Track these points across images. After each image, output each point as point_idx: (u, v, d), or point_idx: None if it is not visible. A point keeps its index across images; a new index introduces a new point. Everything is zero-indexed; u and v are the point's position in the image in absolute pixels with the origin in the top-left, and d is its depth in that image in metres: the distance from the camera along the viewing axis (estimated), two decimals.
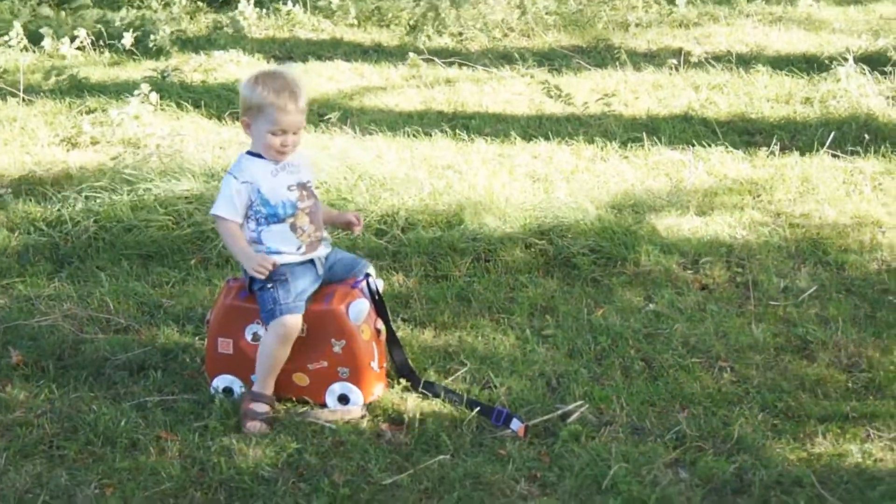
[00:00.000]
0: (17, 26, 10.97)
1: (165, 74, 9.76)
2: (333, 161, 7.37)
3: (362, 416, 4.76)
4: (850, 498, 4.10)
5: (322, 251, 4.90)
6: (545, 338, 5.45)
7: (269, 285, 4.70)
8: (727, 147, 7.92)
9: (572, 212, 6.62)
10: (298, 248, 4.80)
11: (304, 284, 4.76)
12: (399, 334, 5.17)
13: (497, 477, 4.29)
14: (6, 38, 10.95)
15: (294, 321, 4.68)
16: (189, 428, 4.65)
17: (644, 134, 8.14)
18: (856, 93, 8.75)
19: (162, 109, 8.82)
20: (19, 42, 10.90)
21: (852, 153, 7.71)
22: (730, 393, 4.89)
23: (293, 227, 4.79)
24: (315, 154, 7.42)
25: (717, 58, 10.04)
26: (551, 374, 5.08)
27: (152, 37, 11.15)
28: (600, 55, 10.74)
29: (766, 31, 11.19)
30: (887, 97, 8.70)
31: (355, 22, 12.32)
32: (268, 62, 10.77)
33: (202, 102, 9.12)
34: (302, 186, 4.83)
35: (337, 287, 4.87)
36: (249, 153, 4.83)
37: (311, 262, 4.85)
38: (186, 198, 6.90)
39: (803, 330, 5.42)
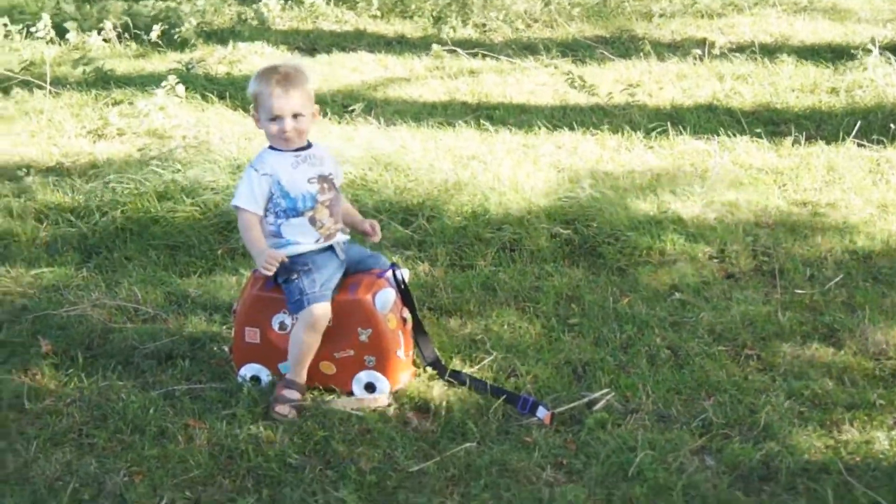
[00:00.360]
0: (46, 18, 11.02)
1: (190, 66, 9.80)
2: (358, 151, 7.40)
3: (389, 404, 4.77)
4: (878, 485, 4.09)
5: (340, 238, 4.92)
6: (571, 326, 5.45)
7: (294, 276, 4.72)
8: (752, 137, 7.91)
9: (597, 201, 6.62)
10: (317, 241, 4.83)
11: (329, 272, 4.78)
12: (425, 323, 5.18)
13: (523, 464, 4.30)
14: (34, 29, 10.99)
15: (323, 309, 4.70)
16: (217, 416, 4.67)
17: (668, 124, 8.14)
18: (882, 82, 8.72)
19: (187, 101, 8.85)
20: (47, 34, 10.94)
21: (878, 142, 7.69)
22: (756, 381, 4.88)
23: (312, 221, 4.81)
24: (339, 145, 7.45)
25: (742, 48, 10.03)
26: (577, 362, 5.09)
27: (177, 29, 11.19)
28: (624, 45, 10.73)
29: (790, 21, 11.16)
30: None
31: (378, 13, 12.34)
32: (291, 53, 10.80)
33: (227, 94, 9.16)
34: (323, 179, 4.85)
35: (363, 277, 4.89)
36: (271, 147, 4.86)
37: (331, 248, 4.87)
38: (212, 188, 6.93)
39: (830, 318, 5.41)
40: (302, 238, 4.80)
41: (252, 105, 4.88)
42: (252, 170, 4.80)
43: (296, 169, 4.80)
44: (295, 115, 4.78)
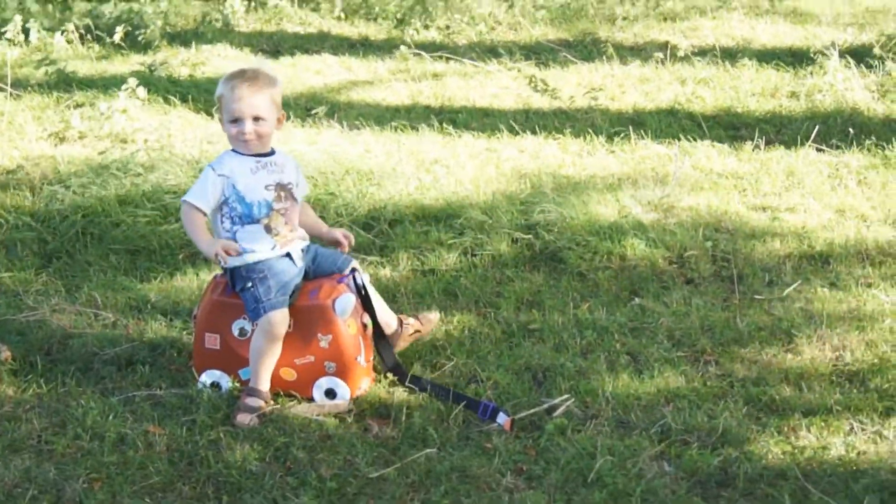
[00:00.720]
0: (18, 19, 10.96)
1: (153, 68, 9.76)
2: (321, 155, 7.39)
3: (349, 411, 4.77)
4: (834, 491, 4.12)
5: (297, 245, 4.92)
6: (531, 332, 5.47)
7: (249, 284, 4.73)
8: (713, 141, 7.95)
9: (558, 206, 6.64)
10: (273, 248, 4.83)
11: (285, 278, 4.78)
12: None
13: (483, 470, 4.31)
14: (4, 30, 10.94)
15: (279, 316, 4.71)
16: (177, 422, 4.66)
17: (630, 128, 8.18)
18: (841, 86, 8.78)
19: (150, 104, 8.82)
20: (16, 35, 10.89)
21: (837, 147, 7.75)
22: (715, 387, 4.91)
23: (267, 228, 4.82)
24: (302, 148, 7.44)
25: (704, 51, 10.07)
26: (537, 367, 5.11)
27: (141, 31, 11.14)
28: (587, 49, 10.76)
29: (752, 25, 11.22)
30: (872, 91, 8.74)
31: (342, 15, 12.34)
32: (255, 56, 10.77)
33: (190, 97, 9.12)
34: (281, 187, 4.85)
35: (323, 282, 4.89)
36: (233, 150, 4.86)
37: (288, 255, 4.87)
38: (174, 192, 6.91)
39: (788, 323, 5.45)
40: (257, 246, 4.80)
41: (216, 108, 4.88)
42: (210, 169, 4.80)
43: (254, 175, 4.80)
44: (256, 119, 4.78)
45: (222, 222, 4.80)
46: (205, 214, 4.77)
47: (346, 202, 6.79)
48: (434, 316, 5.36)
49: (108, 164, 7.47)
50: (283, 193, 4.85)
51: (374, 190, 6.96)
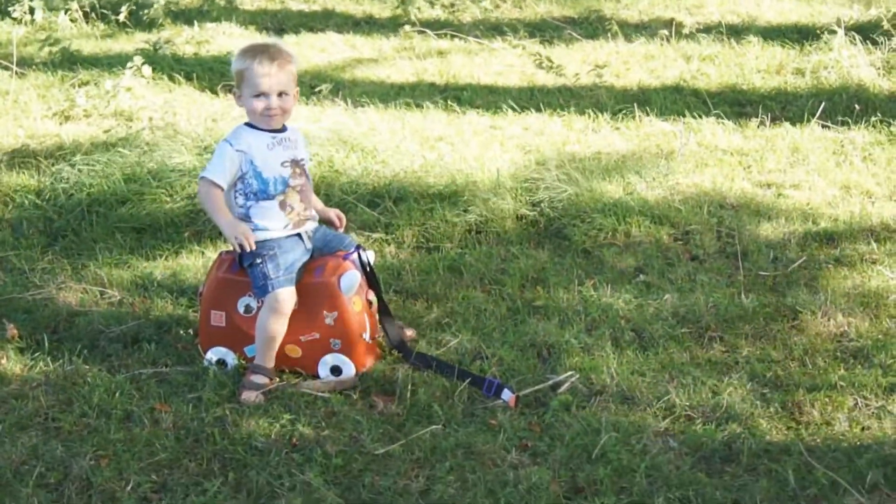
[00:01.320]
0: None
1: (158, 47, 9.75)
2: (325, 133, 7.39)
3: (354, 387, 4.79)
4: (838, 466, 4.14)
5: (309, 226, 4.92)
6: (536, 308, 5.48)
7: (259, 261, 4.73)
8: (718, 118, 7.94)
9: (563, 184, 6.64)
10: (286, 226, 4.83)
11: (293, 257, 4.79)
12: (391, 306, 5.20)
13: (488, 447, 4.32)
14: (11, 9, 10.94)
15: (287, 294, 4.72)
16: (183, 399, 4.68)
17: (635, 105, 8.16)
18: (847, 63, 8.75)
19: (154, 82, 8.81)
20: (23, 14, 10.89)
21: (842, 124, 7.74)
22: (719, 363, 4.93)
23: (282, 205, 4.81)
24: (306, 126, 7.44)
25: (709, 28, 10.04)
26: (542, 344, 5.12)
27: (145, 10, 11.13)
28: (592, 26, 10.74)
29: (757, 2, 11.18)
30: (878, 68, 8.70)
31: None
32: (259, 34, 10.76)
33: (194, 75, 9.12)
34: (296, 163, 4.85)
35: (328, 259, 4.90)
36: (247, 124, 4.85)
37: (298, 235, 4.87)
38: (179, 170, 6.91)
39: (792, 300, 5.45)
40: (270, 223, 4.80)
41: (235, 82, 4.86)
42: (227, 144, 4.78)
43: (271, 150, 4.79)
44: (280, 94, 4.78)
45: (236, 198, 4.80)
46: (222, 190, 4.77)
47: (351, 180, 6.79)
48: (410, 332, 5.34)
49: (113, 143, 7.47)
50: (297, 170, 4.85)
51: (378, 167, 6.96)
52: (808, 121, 7.75)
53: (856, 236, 6.15)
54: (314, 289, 4.81)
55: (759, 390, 4.69)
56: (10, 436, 4.45)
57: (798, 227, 6.26)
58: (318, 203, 5.18)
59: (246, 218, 4.78)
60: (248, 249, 4.65)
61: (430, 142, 7.50)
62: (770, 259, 5.93)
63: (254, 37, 10.58)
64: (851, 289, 5.57)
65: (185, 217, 6.55)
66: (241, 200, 4.80)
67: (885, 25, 9.30)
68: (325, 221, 5.14)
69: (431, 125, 7.91)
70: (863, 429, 4.39)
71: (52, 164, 7.23)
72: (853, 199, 6.60)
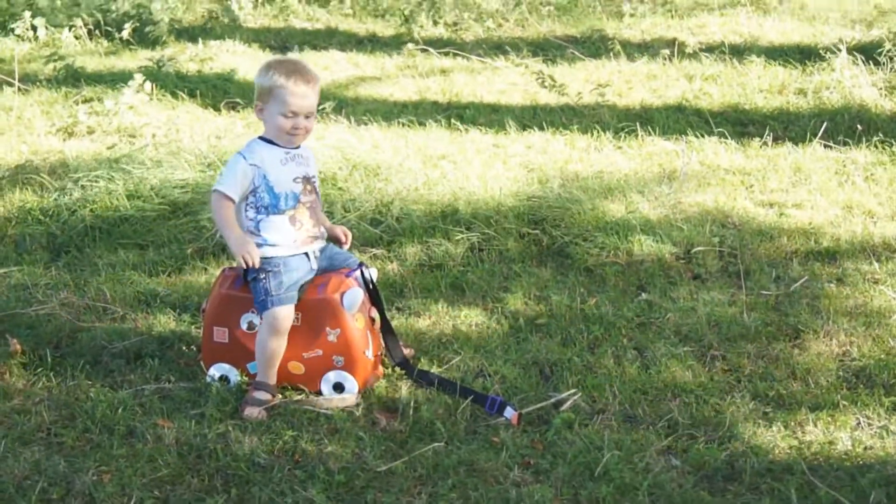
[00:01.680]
0: (27, 15, 11.01)
1: (161, 64, 9.79)
2: (328, 151, 7.40)
3: (357, 404, 4.78)
4: (841, 485, 4.13)
5: (317, 245, 4.93)
6: (538, 327, 5.48)
7: (262, 276, 4.73)
8: (720, 138, 7.95)
9: (566, 202, 6.65)
10: (294, 241, 4.82)
11: (297, 276, 4.78)
12: (393, 323, 5.20)
13: (491, 464, 4.32)
14: (13, 26, 10.98)
15: (285, 312, 4.72)
16: (186, 415, 4.68)
17: (638, 124, 8.18)
18: (849, 83, 8.78)
19: (158, 99, 8.84)
20: (26, 31, 10.93)
21: (844, 143, 7.76)
22: (721, 381, 4.92)
23: (292, 220, 4.81)
24: (310, 144, 7.44)
25: (711, 48, 10.08)
26: (544, 362, 5.12)
27: (149, 27, 11.17)
28: (594, 45, 10.79)
29: (759, 22, 11.22)
30: (880, 88, 8.73)
31: (350, 12, 12.38)
32: (263, 52, 10.79)
33: (198, 92, 9.15)
34: (307, 180, 4.86)
35: (331, 276, 4.90)
36: (261, 138, 4.86)
37: (305, 254, 4.88)
38: (182, 187, 6.93)
39: (795, 319, 5.45)
40: (279, 238, 4.79)
41: (259, 94, 4.81)
42: (241, 157, 4.77)
43: (284, 166, 4.80)
44: (307, 116, 4.80)
45: (246, 211, 4.79)
46: (234, 203, 4.77)
47: (354, 197, 6.81)
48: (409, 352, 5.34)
49: (116, 159, 7.49)
50: (308, 187, 4.86)
51: (381, 185, 6.97)
52: (811, 140, 7.77)
53: (858, 256, 6.16)
54: (317, 305, 4.81)
55: (762, 409, 4.68)
56: (13, 451, 4.45)
57: (800, 247, 6.27)
58: (325, 220, 5.19)
59: (255, 231, 4.78)
60: (253, 267, 4.65)
61: (433, 160, 7.52)
62: (772, 278, 5.94)
63: (257, 55, 10.62)
64: (853, 308, 5.58)
65: (187, 233, 6.56)
66: (251, 213, 4.79)
67: (888, 46, 9.32)
68: (331, 238, 5.14)
69: (434, 143, 7.93)
70: (865, 448, 4.39)
71: (56, 181, 7.24)
72: (855, 219, 6.61)
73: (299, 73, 4.76)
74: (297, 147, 4.88)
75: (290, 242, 4.80)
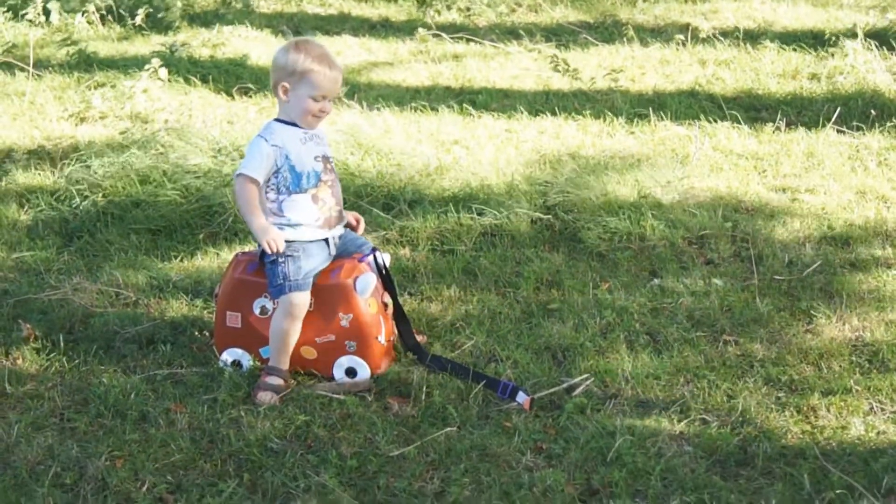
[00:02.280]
0: (40, 0, 11.02)
1: (174, 49, 9.78)
2: (341, 136, 7.40)
3: (369, 389, 4.79)
4: (854, 470, 4.13)
5: (338, 230, 4.93)
6: (551, 311, 5.48)
7: (281, 259, 4.73)
8: (733, 123, 7.93)
9: (578, 187, 6.64)
10: (317, 220, 4.83)
11: (315, 263, 4.80)
12: (406, 308, 5.20)
13: (503, 449, 4.32)
14: (24, 12, 10.99)
15: (302, 298, 4.73)
16: (198, 400, 4.69)
17: (650, 109, 8.16)
18: (863, 69, 8.73)
19: (170, 84, 8.84)
20: (37, 16, 10.94)
21: (857, 129, 7.73)
22: (734, 366, 4.92)
23: (314, 199, 4.81)
24: (322, 128, 7.45)
25: (725, 33, 10.03)
26: (557, 347, 5.12)
27: (162, 13, 11.17)
28: (608, 31, 10.74)
29: (773, 7, 11.17)
30: (894, 73, 8.69)
31: None
32: (275, 37, 10.78)
33: (210, 77, 9.14)
34: (326, 159, 4.88)
35: (344, 261, 4.91)
36: (278, 120, 4.86)
37: (326, 241, 4.88)
38: (195, 172, 6.94)
39: (807, 304, 5.44)
40: (303, 217, 4.79)
41: (287, 75, 4.77)
42: (262, 140, 4.77)
43: (304, 145, 4.81)
44: (332, 100, 4.85)
45: (267, 193, 4.80)
46: (258, 185, 4.76)
47: (366, 182, 6.81)
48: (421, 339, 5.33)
49: (128, 144, 7.50)
50: (328, 165, 4.88)
51: (393, 170, 6.97)
52: (824, 126, 7.74)
53: (871, 241, 6.14)
54: (330, 290, 4.81)
55: (775, 394, 4.68)
56: (26, 436, 4.47)
57: (813, 232, 6.25)
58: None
59: (279, 212, 4.77)
60: (277, 249, 4.66)
61: (446, 145, 7.51)
62: (785, 263, 5.92)
63: (269, 40, 10.61)
64: (867, 293, 5.56)
65: (200, 219, 6.56)
66: (272, 195, 4.79)
67: None
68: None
69: (446, 128, 7.92)
70: (878, 433, 4.38)
71: (68, 166, 7.25)
72: (868, 204, 6.59)
73: (328, 58, 4.81)
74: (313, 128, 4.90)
75: (312, 221, 4.80)
